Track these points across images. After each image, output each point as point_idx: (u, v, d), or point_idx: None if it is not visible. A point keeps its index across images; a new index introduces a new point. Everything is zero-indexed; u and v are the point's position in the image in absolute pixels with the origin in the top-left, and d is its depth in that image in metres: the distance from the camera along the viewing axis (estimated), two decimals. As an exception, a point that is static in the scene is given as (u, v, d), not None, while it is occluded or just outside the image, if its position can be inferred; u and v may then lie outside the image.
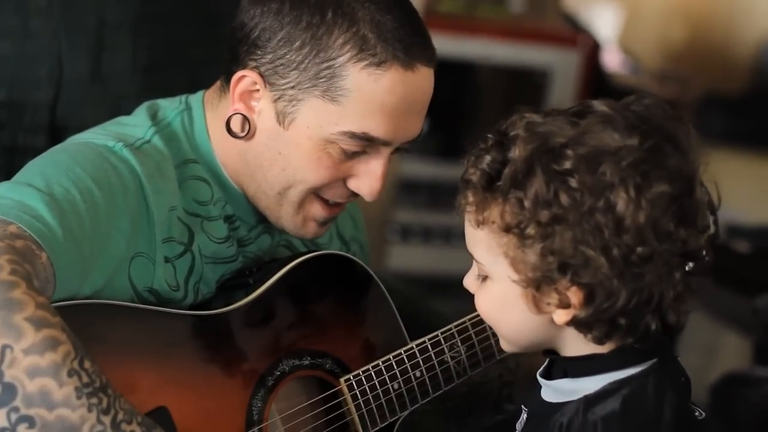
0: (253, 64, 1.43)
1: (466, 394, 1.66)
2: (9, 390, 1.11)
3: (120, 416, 1.17)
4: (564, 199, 1.16)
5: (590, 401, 1.20)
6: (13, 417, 1.11)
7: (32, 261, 1.20)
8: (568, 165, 1.16)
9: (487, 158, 1.21)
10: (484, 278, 1.26)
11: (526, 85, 3.64)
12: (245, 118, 1.45)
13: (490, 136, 1.23)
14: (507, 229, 1.19)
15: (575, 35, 3.64)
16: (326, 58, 1.39)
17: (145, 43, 1.80)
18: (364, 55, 1.38)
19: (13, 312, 1.13)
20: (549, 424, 1.23)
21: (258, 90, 1.43)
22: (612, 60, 4.69)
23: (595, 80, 3.62)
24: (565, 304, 1.19)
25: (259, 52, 1.42)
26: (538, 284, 1.19)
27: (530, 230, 1.17)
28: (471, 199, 1.23)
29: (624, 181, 1.15)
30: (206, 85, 1.55)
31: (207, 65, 1.83)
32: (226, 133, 1.46)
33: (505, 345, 1.31)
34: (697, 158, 1.20)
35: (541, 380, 1.29)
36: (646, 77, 4.79)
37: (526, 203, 1.17)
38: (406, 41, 1.39)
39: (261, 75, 1.42)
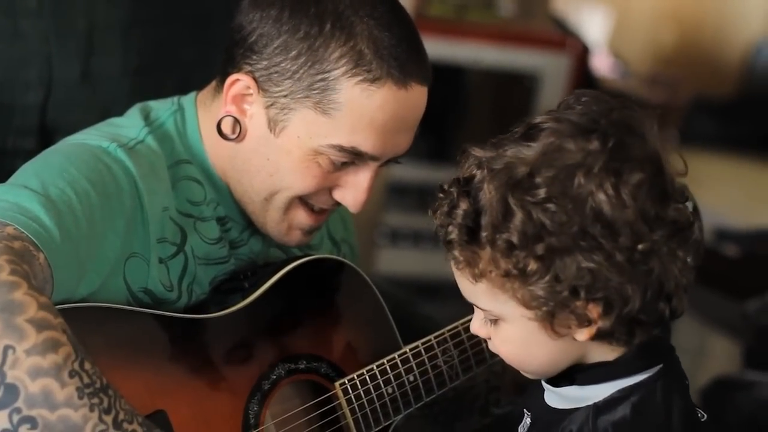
0: (248, 68, 1.42)
1: (452, 398, 1.66)
2: (11, 391, 1.11)
3: (121, 416, 1.17)
4: (551, 226, 1.14)
5: (599, 409, 1.20)
6: (15, 418, 1.11)
7: (30, 262, 1.20)
8: (542, 194, 1.14)
9: (459, 212, 1.19)
10: (495, 321, 1.24)
11: (515, 89, 3.64)
12: (236, 121, 1.45)
13: (451, 189, 1.21)
14: (507, 275, 1.17)
15: (564, 39, 3.65)
16: (321, 70, 1.38)
17: (134, 46, 1.79)
18: (359, 70, 1.38)
19: (15, 314, 1.12)
20: (556, 430, 1.22)
21: (251, 94, 1.43)
22: (601, 64, 4.70)
23: (585, 84, 3.62)
24: (585, 322, 1.18)
25: (255, 57, 1.41)
26: (553, 313, 1.17)
27: (531, 267, 1.15)
28: (461, 258, 1.20)
29: (601, 185, 1.13)
30: (196, 88, 1.55)
31: (197, 68, 1.83)
32: (218, 134, 1.45)
33: (530, 376, 1.29)
34: (656, 134, 1.19)
35: (546, 386, 1.28)
36: (635, 81, 4.81)
37: (516, 242, 1.15)
38: (401, 59, 1.39)
39: (255, 80, 1.42)
